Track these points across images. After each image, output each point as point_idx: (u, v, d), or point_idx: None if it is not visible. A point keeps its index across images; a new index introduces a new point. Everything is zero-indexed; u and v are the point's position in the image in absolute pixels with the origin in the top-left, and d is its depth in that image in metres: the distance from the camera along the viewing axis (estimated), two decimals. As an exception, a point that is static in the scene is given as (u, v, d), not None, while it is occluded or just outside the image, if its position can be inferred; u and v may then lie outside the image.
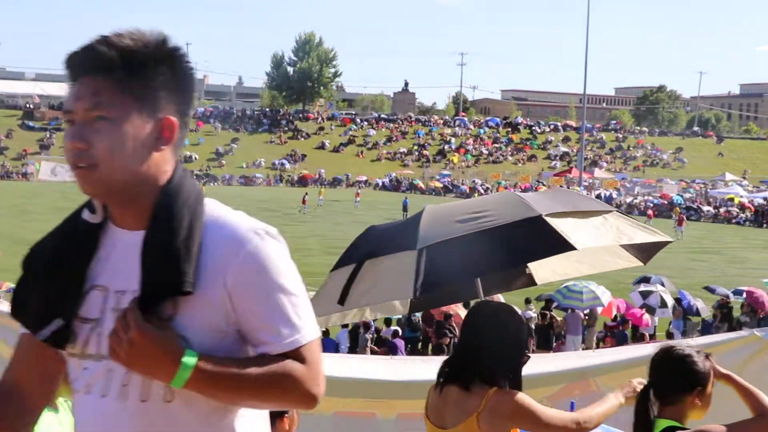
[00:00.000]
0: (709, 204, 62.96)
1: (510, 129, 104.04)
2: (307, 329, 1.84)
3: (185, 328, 1.78)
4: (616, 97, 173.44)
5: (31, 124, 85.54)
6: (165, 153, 1.84)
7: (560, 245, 3.60)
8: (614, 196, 66.58)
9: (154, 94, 1.80)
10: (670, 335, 17.21)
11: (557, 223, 3.59)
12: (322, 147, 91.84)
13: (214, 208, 1.90)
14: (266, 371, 1.78)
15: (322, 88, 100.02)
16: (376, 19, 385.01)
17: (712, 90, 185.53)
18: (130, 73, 1.77)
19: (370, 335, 15.30)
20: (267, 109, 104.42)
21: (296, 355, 1.81)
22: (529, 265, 4.73)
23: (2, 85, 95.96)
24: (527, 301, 17.50)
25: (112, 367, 1.79)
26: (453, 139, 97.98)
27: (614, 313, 17.60)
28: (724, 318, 18.00)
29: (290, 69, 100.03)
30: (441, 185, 78.23)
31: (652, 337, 16.48)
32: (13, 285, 17.24)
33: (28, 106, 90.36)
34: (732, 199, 62.66)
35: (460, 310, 15.65)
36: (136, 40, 1.79)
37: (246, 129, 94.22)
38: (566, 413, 3.18)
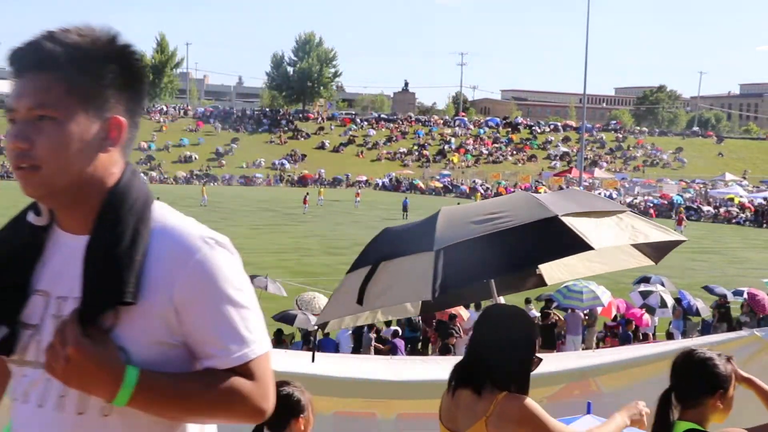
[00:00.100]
0: (709, 204, 62.97)
1: (510, 129, 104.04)
2: (257, 343, 1.77)
3: (127, 340, 1.70)
4: (616, 97, 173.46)
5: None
6: (112, 154, 1.77)
7: (578, 245, 3.62)
8: (614, 196, 66.55)
9: (101, 93, 1.72)
10: (670, 335, 17.22)
11: (574, 223, 3.61)
12: (322, 147, 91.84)
13: (163, 213, 1.81)
14: (212, 387, 1.72)
15: (322, 88, 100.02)
16: (376, 19, 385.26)
17: (712, 90, 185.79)
18: (77, 70, 1.69)
19: (374, 335, 15.30)
20: (267, 109, 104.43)
21: (245, 369, 1.74)
22: (539, 266, 4.74)
23: (2, 85, 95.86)
24: (527, 301, 17.50)
25: (51, 376, 1.70)
26: (453, 139, 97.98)
27: (614, 313, 17.60)
28: (722, 318, 18.00)
29: (290, 69, 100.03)
30: (441, 185, 78.25)
31: (653, 336, 16.49)
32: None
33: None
34: (732, 199, 62.67)
35: (462, 311, 15.66)
36: (84, 36, 1.72)
37: (246, 129, 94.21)
38: (572, 429, 3.21)
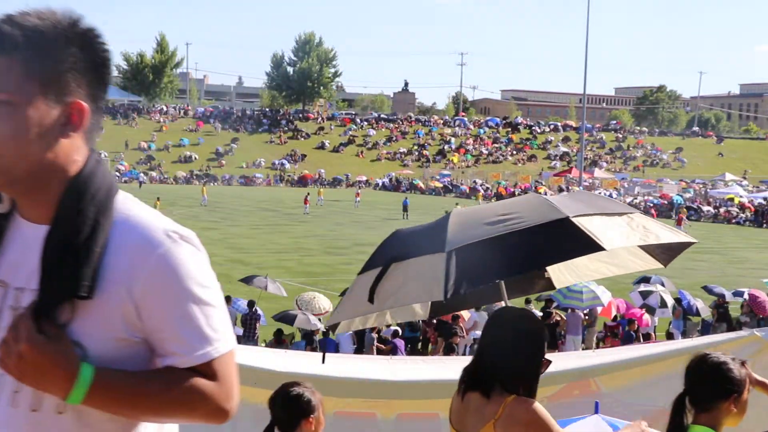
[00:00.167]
0: (709, 204, 62.98)
1: (510, 129, 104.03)
2: (221, 342, 1.72)
3: (84, 336, 1.65)
4: (616, 97, 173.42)
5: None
6: (74, 140, 1.70)
7: (589, 245, 3.64)
8: (614, 196, 66.56)
9: (61, 77, 1.66)
10: (670, 335, 17.22)
11: (585, 224, 3.63)
12: (322, 147, 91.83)
13: (127, 205, 1.76)
14: (172, 386, 1.67)
15: (322, 88, 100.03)
16: (376, 19, 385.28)
17: (712, 90, 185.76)
18: (35, 54, 1.63)
19: (376, 334, 15.31)
20: (267, 109, 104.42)
21: (207, 369, 1.70)
22: (548, 268, 4.76)
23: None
24: (527, 302, 17.51)
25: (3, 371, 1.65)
26: (453, 139, 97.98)
27: (614, 313, 17.60)
28: (721, 317, 18.00)
29: (290, 69, 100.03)
30: (441, 185, 78.27)
31: (646, 338, 16.48)
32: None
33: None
34: (732, 199, 62.69)
35: (463, 312, 15.67)
36: (44, 20, 1.67)
37: (246, 129, 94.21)
38: None
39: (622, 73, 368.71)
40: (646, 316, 17.44)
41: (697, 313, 18.63)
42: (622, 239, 3.87)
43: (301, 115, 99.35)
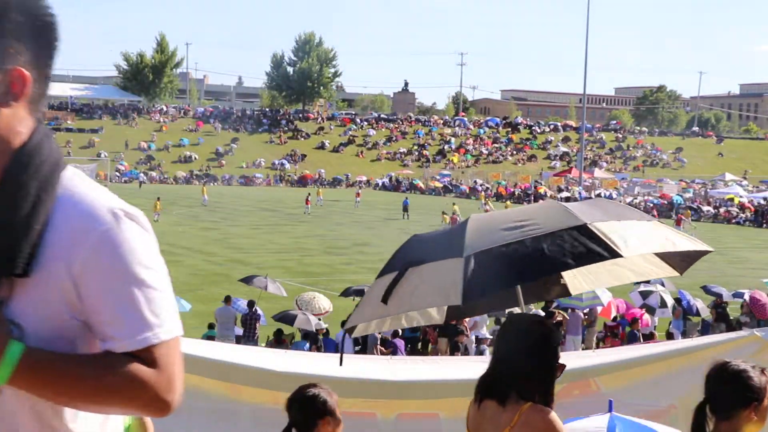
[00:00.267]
0: (709, 204, 63.00)
1: (510, 129, 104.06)
2: (163, 327, 1.63)
3: (21, 315, 1.58)
4: (616, 97, 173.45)
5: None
6: (17, 111, 1.64)
7: (607, 252, 3.65)
8: (614, 196, 66.60)
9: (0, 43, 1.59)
10: (670, 335, 17.22)
11: (603, 231, 3.63)
12: (322, 147, 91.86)
13: (74, 182, 1.68)
14: (107, 371, 1.58)
15: (322, 88, 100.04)
16: (376, 19, 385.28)
17: (712, 90, 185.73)
18: None
19: (379, 335, 15.31)
20: (267, 109, 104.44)
21: (147, 355, 1.60)
22: (563, 274, 4.76)
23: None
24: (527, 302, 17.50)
25: None
26: (453, 139, 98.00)
27: (614, 313, 17.60)
28: (719, 317, 18.00)
29: (290, 69, 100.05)
30: (441, 185, 78.29)
31: (647, 338, 16.48)
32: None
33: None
34: (732, 199, 62.72)
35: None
36: None
37: (246, 129, 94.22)
38: None
39: (622, 73, 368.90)
40: (646, 316, 17.44)
41: (697, 313, 18.63)
42: (640, 247, 3.88)
43: (301, 115, 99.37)
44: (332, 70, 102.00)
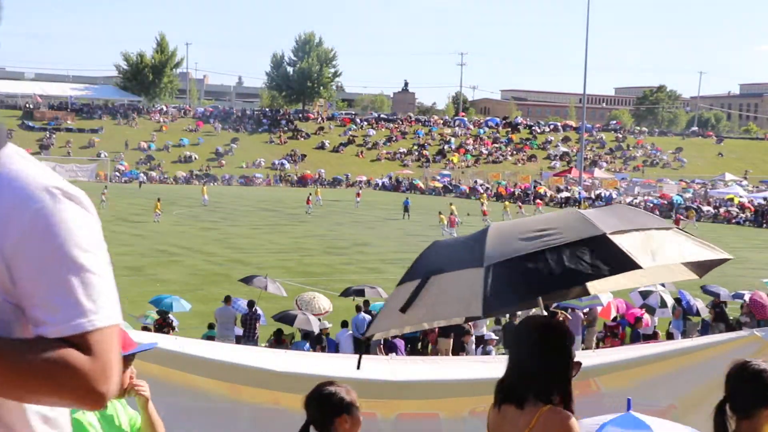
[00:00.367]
0: (709, 204, 63.01)
1: (510, 129, 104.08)
2: (99, 314, 1.54)
3: None
4: (616, 97, 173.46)
5: (30, 124, 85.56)
6: None
7: (626, 264, 3.65)
8: (614, 196, 66.63)
9: None
10: (670, 335, 17.22)
11: (622, 242, 3.64)
12: (322, 147, 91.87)
13: (13, 159, 1.60)
14: (36, 356, 1.49)
15: (321, 88, 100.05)
16: (376, 19, 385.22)
17: (712, 90, 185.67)
18: None
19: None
20: (267, 109, 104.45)
21: (81, 342, 1.52)
22: None
23: (2, 85, 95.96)
24: (527, 301, 17.49)
25: None
26: (453, 139, 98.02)
27: (614, 313, 17.60)
28: (718, 317, 18.01)
29: (290, 69, 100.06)
30: (441, 185, 78.31)
31: (651, 337, 16.48)
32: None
33: (27, 106, 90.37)
34: (732, 199, 62.73)
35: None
36: None
37: (246, 129, 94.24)
38: None
39: (622, 73, 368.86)
40: (646, 316, 17.43)
41: (697, 313, 18.62)
42: (659, 257, 3.88)
43: (301, 115, 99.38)
44: (332, 70, 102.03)
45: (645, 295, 18.20)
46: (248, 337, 16.28)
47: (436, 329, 15.86)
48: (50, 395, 1.54)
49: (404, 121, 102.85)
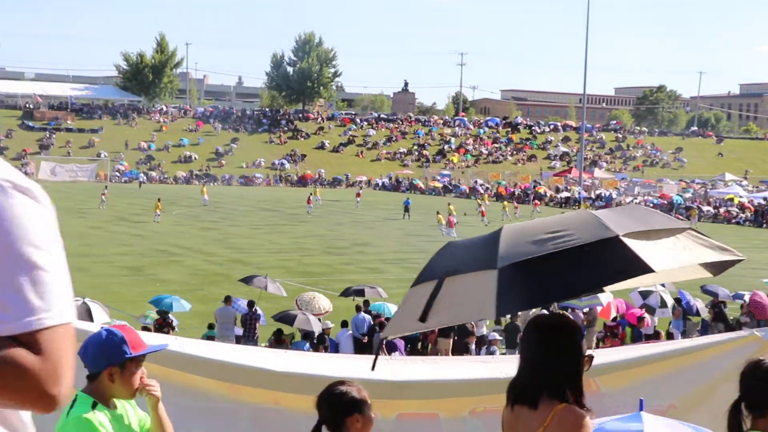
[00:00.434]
0: (709, 204, 63.02)
1: (510, 129, 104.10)
2: (50, 312, 1.50)
3: None
4: (616, 97, 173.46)
5: (30, 124, 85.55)
6: None
7: (639, 268, 3.65)
8: (614, 196, 66.65)
9: None
10: (670, 335, 17.22)
11: (635, 245, 3.63)
12: (321, 147, 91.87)
13: None
14: None
15: (321, 88, 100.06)
16: (376, 19, 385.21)
17: (712, 90, 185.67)
18: None
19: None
20: (267, 109, 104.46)
21: (29, 341, 1.47)
22: None
23: (2, 85, 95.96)
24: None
25: None
26: (453, 139, 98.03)
27: (614, 314, 17.59)
28: (717, 317, 18.01)
29: (290, 69, 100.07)
30: (441, 185, 78.32)
31: (652, 336, 16.48)
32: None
33: (27, 106, 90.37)
34: (732, 199, 62.74)
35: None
36: None
37: (246, 129, 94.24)
38: None
39: (622, 73, 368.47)
40: (646, 316, 17.43)
41: (697, 313, 18.62)
42: (672, 260, 3.87)
43: (301, 115, 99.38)
44: (332, 70, 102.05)
45: (645, 295, 18.20)
46: (248, 337, 16.28)
47: (436, 329, 15.89)
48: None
49: (404, 121, 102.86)
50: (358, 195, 58.67)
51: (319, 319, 15.95)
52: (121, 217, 43.48)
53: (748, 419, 3.11)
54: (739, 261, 4.27)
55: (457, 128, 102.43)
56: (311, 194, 53.63)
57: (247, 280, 18.96)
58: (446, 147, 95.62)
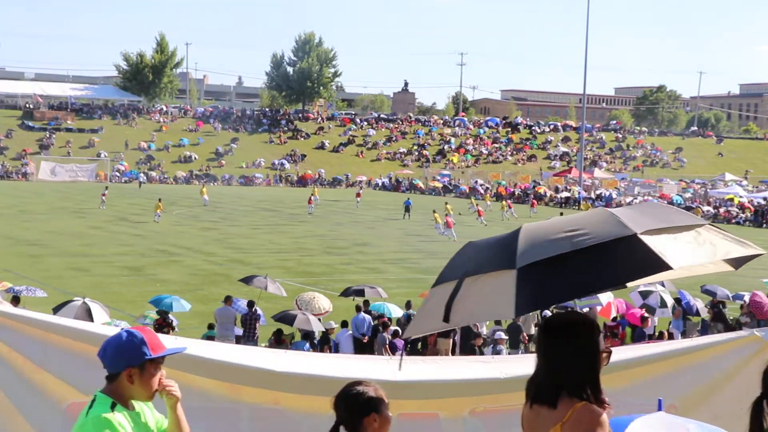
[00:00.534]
0: (708, 204, 63.02)
1: (510, 129, 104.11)
2: None
3: None
4: (616, 97, 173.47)
5: (30, 124, 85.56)
6: None
7: (657, 265, 3.64)
8: (614, 196, 66.64)
9: None
10: (670, 335, 17.20)
11: (652, 242, 3.63)
12: (321, 147, 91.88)
13: None
14: None
15: (321, 88, 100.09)
16: (376, 19, 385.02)
17: (712, 90, 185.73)
18: None
19: (389, 336, 15.29)
20: (267, 109, 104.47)
21: None
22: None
23: (2, 85, 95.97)
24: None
25: None
26: (453, 139, 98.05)
27: (613, 313, 17.59)
28: (716, 317, 18.00)
29: (290, 69, 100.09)
30: (441, 185, 78.31)
31: (652, 337, 16.47)
32: (12, 285, 17.21)
33: (27, 106, 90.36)
34: (732, 199, 62.74)
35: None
36: None
37: (246, 129, 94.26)
38: None
39: (622, 73, 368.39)
40: (648, 317, 17.41)
41: (697, 313, 18.61)
42: (690, 257, 3.86)
43: (300, 115, 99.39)
44: (332, 70, 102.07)
45: (645, 295, 18.19)
46: (248, 337, 16.28)
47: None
48: None
49: (404, 121, 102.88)
50: (358, 195, 58.67)
51: (320, 319, 15.94)
52: (121, 217, 43.47)
53: None
54: (758, 255, 4.26)
55: (457, 128, 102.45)
56: (312, 194, 53.63)
57: (247, 280, 18.96)
58: (446, 147, 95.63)
